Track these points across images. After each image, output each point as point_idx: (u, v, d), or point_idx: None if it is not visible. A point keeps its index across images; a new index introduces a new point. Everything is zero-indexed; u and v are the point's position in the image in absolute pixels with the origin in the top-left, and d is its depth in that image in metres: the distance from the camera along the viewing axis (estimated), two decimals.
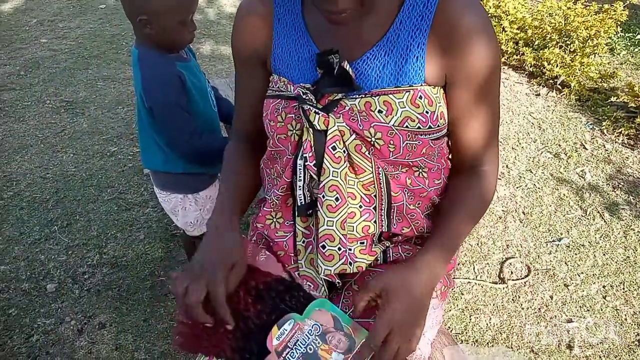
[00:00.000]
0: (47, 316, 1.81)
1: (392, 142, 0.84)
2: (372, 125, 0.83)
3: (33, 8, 4.34)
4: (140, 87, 1.35)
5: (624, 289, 1.95)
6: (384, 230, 0.93)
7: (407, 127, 0.83)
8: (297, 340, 0.81)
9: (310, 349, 0.80)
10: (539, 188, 2.46)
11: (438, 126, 0.86)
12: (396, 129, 0.83)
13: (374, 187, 0.89)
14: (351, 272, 0.92)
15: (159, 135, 1.44)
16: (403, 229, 0.95)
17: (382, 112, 0.83)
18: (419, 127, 0.84)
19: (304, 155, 0.87)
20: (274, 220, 1.00)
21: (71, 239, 2.13)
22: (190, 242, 1.78)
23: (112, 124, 2.91)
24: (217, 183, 1.64)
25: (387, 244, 0.96)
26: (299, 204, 0.91)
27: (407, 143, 0.85)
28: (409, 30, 0.83)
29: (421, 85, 0.83)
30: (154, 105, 1.35)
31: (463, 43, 0.82)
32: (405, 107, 0.83)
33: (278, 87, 0.92)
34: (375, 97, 0.83)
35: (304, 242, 0.96)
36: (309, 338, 0.81)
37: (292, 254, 0.99)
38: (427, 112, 0.83)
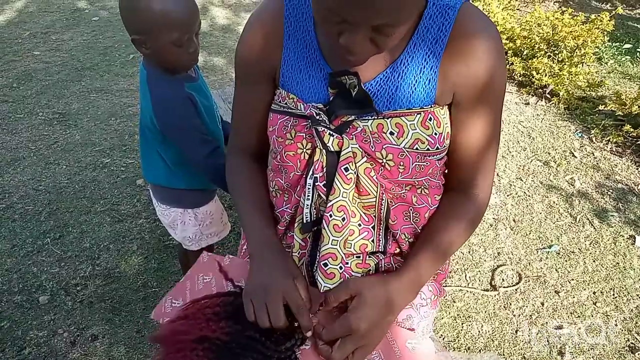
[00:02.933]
0: (39, 328, 1.80)
1: (402, 163, 0.85)
2: (383, 147, 0.84)
3: (26, 21, 4.35)
4: (151, 109, 1.33)
5: (613, 294, 1.97)
6: (380, 250, 0.94)
7: (417, 149, 0.84)
8: None
9: None
10: (529, 196, 2.49)
11: (444, 147, 0.87)
12: (407, 151, 0.84)
13: (375, 209, 0.90)
14: None
15: (165, 153, 1.43)
16: (396, 249, 0.97)
17: (393, 134, 0.83)
18: (427, 149, 0.85)
19: (315, 175, 0.87)
20: None
21: (64, 251, 2.13)
22: (185, 254, 1.78)
23: (105, 135, 2.92)
24: (217, 199, 1.64)
25: (380, 257, 0.97)
26: (305, 222, 0.91)
27: (416, 164, 0.86)
28: (422, 53, 0.82)
29: (431, 107, 0.84)
30: (166, 129, 1.33)
31: (475, 66, 0.81)
32: (416, 129, 0.83)
33: (286, 104, 0.90)
34: (387, 119, 0.83)
35: (298, 253, 0.97)
36: None
37: None
38: (435, 133, 0.84)
